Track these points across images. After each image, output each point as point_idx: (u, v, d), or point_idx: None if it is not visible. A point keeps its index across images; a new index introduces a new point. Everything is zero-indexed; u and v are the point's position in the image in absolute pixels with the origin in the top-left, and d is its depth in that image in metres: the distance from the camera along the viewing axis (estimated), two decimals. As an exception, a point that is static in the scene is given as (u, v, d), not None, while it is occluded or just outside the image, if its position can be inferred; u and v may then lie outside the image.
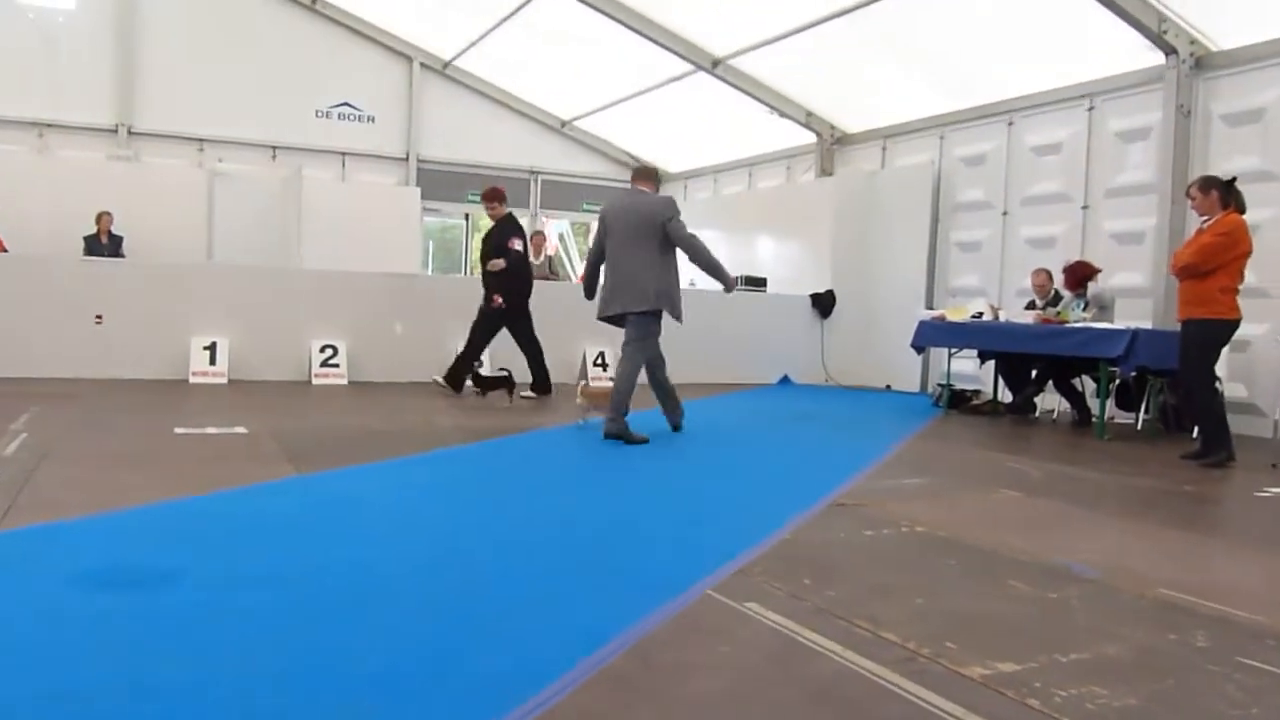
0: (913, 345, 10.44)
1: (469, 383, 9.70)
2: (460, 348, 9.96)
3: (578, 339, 11.79)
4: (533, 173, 17.89)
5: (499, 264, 9.69)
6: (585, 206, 18.34)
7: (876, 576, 3.76)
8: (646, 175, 7.53)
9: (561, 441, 7.23)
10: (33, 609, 2.91)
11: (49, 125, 14.60)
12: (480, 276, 9.97)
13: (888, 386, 12.91)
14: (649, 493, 5.34)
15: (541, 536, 4.14)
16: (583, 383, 8.81)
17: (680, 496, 5.23)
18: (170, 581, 3.25)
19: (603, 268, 7.38)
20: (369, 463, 5.81)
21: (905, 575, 3.80)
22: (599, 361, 11.97)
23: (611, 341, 10.62)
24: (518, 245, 9.79)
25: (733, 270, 14.06)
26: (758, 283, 13.56)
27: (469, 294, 11.90)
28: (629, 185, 7.54)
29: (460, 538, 4.10)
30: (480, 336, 9.86)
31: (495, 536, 4.14)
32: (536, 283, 10.33)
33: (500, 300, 9.72)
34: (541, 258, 13.01)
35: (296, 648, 2.67)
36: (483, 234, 9.89)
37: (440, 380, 9.91)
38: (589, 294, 7.68)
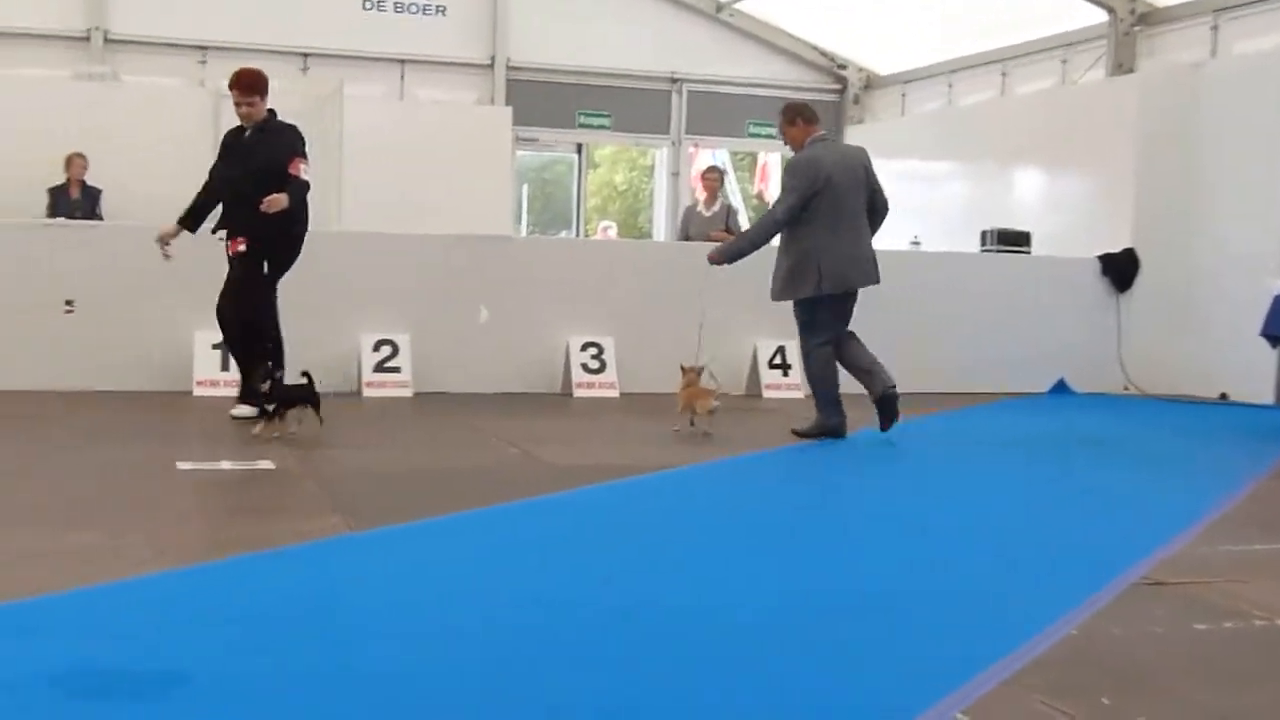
0: (1263, 334, 10.12)
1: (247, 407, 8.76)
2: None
3: (749, 331, 11.82)
4: (675, 81, 18.01)
5: (280, 202, 8.53)
6: (752, 129, 18.36)
7: (1214, 695, 3.66)
8: (816, 117, 8.92)
9: (706, 480, 7.27)
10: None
11: (-5, 33, 15.44)
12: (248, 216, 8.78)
13: (1222, 396, 12.53)
14: (866, 560, 5.33)
15: (745, 616, 4.17)
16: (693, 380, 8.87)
17: (912, 567, 5.19)
18: (173, 687, 3.40)
19: (797, 234, 8.62)
20: (455, 512, 5.93)
21: (1260, 693, 3.69)
22: (778, 363, 11.98)
23: (788, 335, 10.57)
24: (304, 171, 8.80)
25: (972, 221, 13.91)
26: (1015, 240, 13.33)
27: (584, 262, 12.07)
28: (796, 122, 8.77)
29: (600, 614, 4.15)
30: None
31: (673, 615, 4.17)
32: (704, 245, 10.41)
33: (243, 246, 8.77)
34: (718, 206, 12.98)
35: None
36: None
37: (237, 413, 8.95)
38: (735, 258, 8.83)
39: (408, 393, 11.00)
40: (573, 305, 11.60)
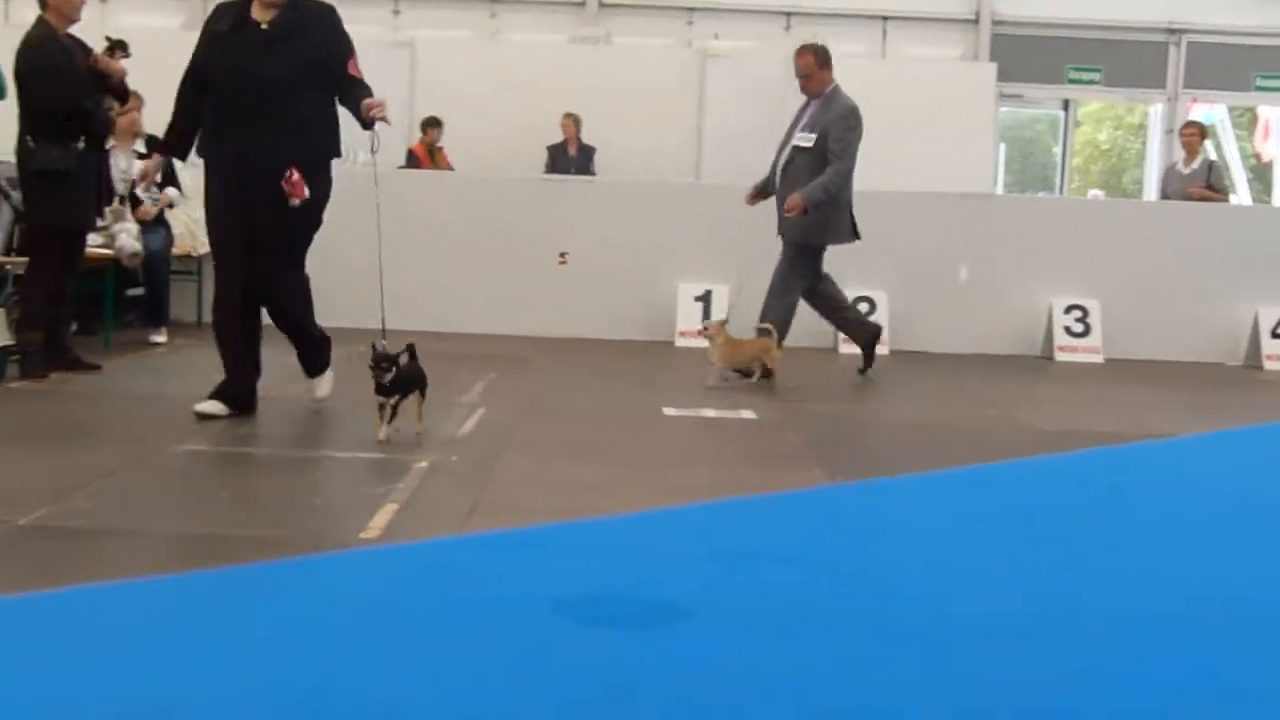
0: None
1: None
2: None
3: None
4: (1173, 32, 17.04)
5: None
6: (1259, 82, 17.13)
7: None
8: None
9: (1202, 451, 6.86)
10: (520, 647, 3.29)
11: (501, 1, 16.41)
12: None
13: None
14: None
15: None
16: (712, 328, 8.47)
17: None
18: (676, 620, 3.52)
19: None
20: (926, 471, 5.90)
21: None
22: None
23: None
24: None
25: None
26: None
27: (1069, 222, 11.72)
28: (828, 65, 9.04)
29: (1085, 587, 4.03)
30: None
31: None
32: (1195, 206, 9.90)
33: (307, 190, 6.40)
34: (1197, 163, 12.29)
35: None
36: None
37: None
38: (816, 206, 8.66)
39: (884, 349, 10.97)
40: (1056, 266, 11.25)
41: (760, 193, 9.19)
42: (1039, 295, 11.19)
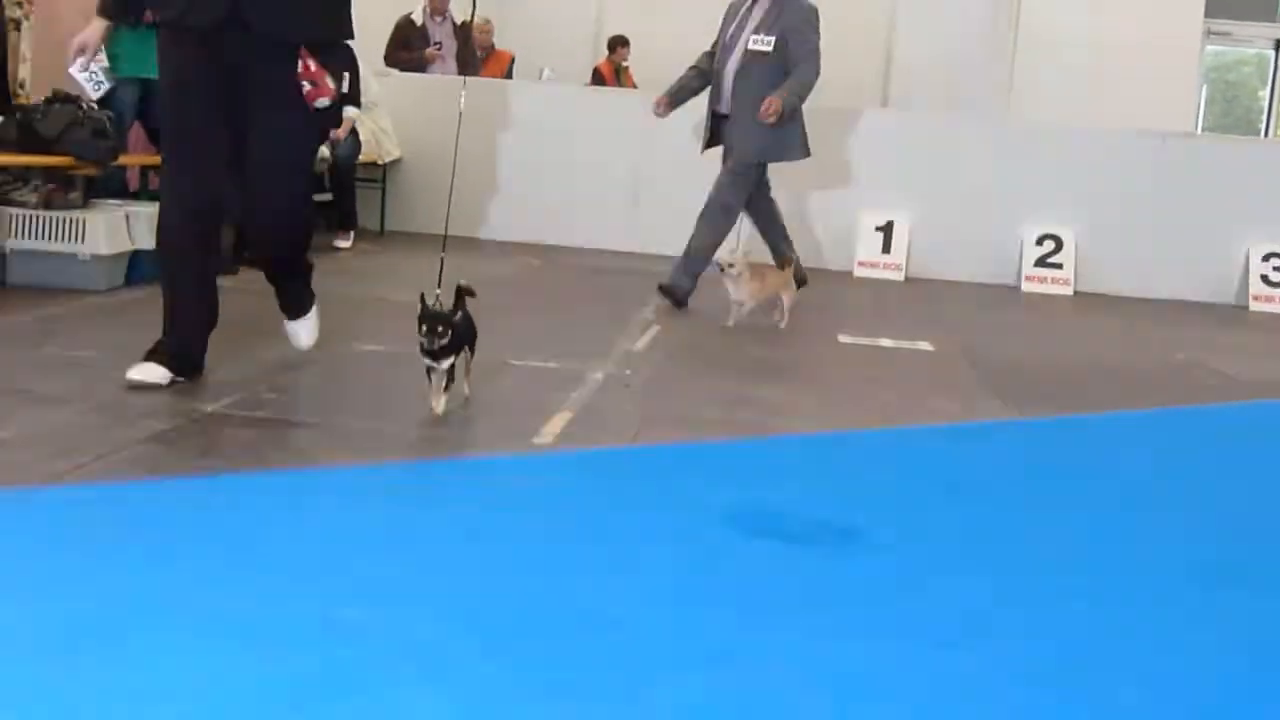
0: None
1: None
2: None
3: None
4: None
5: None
6: None
7: None
8: None
9: None
10: (690, 554, 3.30)
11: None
12: None
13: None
14: None
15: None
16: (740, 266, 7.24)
17: None
18: (846, 541, 3.51)
19: None
20: (1112, 410, 5.81)
21: None
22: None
23: None
24: None
25: None
26: None
27: (1273, 166, 11.29)
28: None
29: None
30: None
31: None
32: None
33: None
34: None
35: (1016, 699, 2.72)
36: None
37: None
38: (791, 116, 8.12)
39: (1068, 290, 10.76)
40: (1255, 213, 10.86)
41: (674, 101, 8.52)
42: (1235, 242, 10.82)
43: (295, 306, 5.19)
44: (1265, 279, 10.70)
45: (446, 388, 4.53)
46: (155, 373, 4.52)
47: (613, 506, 3.70)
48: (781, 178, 10.96)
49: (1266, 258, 10.71)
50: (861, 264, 10.92)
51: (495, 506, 3.63)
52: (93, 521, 3.16)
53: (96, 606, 2.58)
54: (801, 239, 10.92)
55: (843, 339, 7.30)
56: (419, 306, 4.41)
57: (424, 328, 4.38)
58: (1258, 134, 18.42)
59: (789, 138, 8.17)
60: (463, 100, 5.30)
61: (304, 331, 5.22)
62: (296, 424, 4.42)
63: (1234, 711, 2.57)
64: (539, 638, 2.59)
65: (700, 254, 7.97)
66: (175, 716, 2.13)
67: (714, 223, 8.05)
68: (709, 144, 8.42)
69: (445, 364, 4.51)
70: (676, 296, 7.90)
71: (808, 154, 8.40)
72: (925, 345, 7.23)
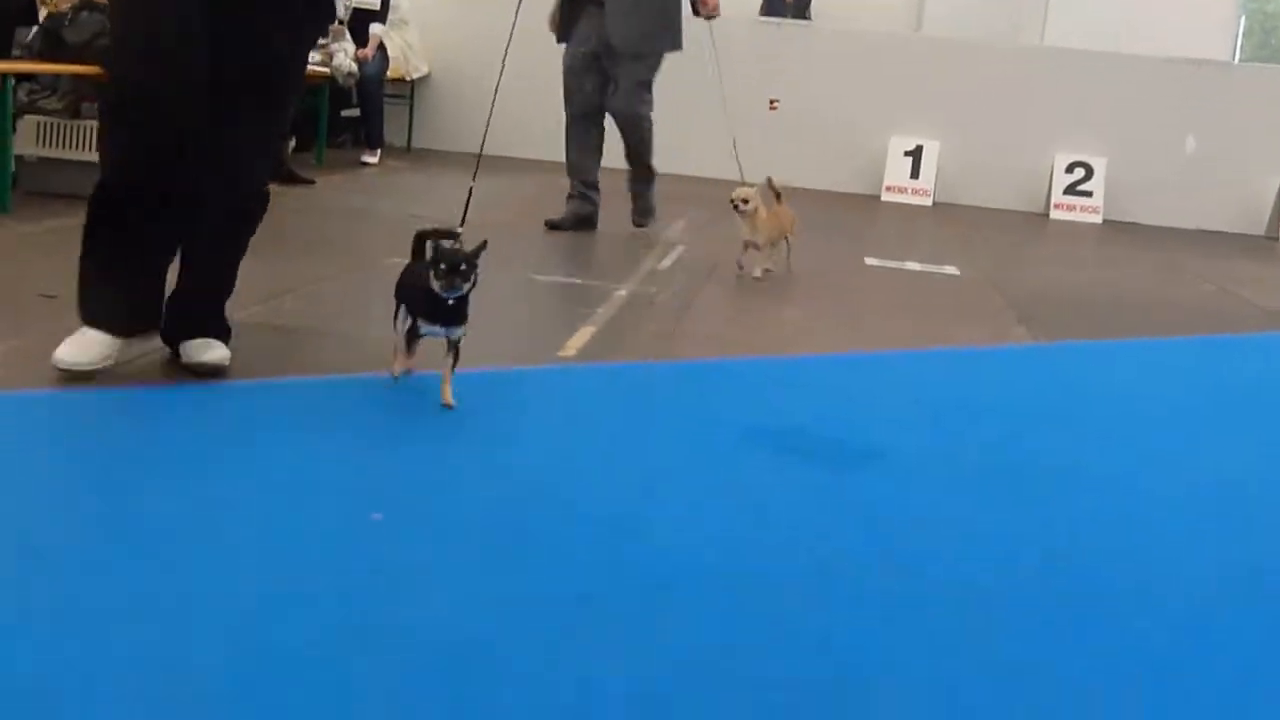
0: None
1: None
2: None
3: None
4: None
5: None
6: None
7: None
8: None
9: None
10: (708, 469, 3.31)
11: None
12: None
13: None
14: None
15: None
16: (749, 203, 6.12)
17: None
18: (867, 461, 3.50)
19: None
20: (1139, 338, 5.78)
21: None
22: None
23: None
24: None
25: None
26: None
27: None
28: None
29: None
30: None
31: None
32: None
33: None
34: None
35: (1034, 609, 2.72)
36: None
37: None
38: None
39: (1096, 219, 10.69)
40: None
41: (564, 19, 7.35)
42: (1268, 173, 10.70)
43: (208, 315, 3.72)
44: (1294, 210, 10.61)
45: (453, 368, 3.49)
46: (98, 348, 3.47)
47: (634, 421, 3.70)
48: (812, 99, 10.88)
49: (1297, 189, 10.61)
50: (889, 189, 10.86)
51: (519, 416, 3.64)
52: (107, 424, 3.19)
53: (122, 503, 2.60)
54: (829, 162, 10.88)
55: (869, 262, 7.27)
56: (426, 243, 3.47)
57: (441, 267, 3.33)
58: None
59: (674, 25, 7.31)
60: (516, 17, 5.15)
61: (212, 350, 3.64)
62: (318, 333, 4.42)
63: (1228, 601, 2.57)
64: (560, 547, 2.61)
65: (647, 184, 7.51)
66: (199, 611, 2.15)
67: (635, 129, 7.34)
68: (564, 34, 7.38)
69: (458, 333, 3.46)
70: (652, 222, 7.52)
71: (675, 48, 7.39)
72: (952, 270, 7.19)
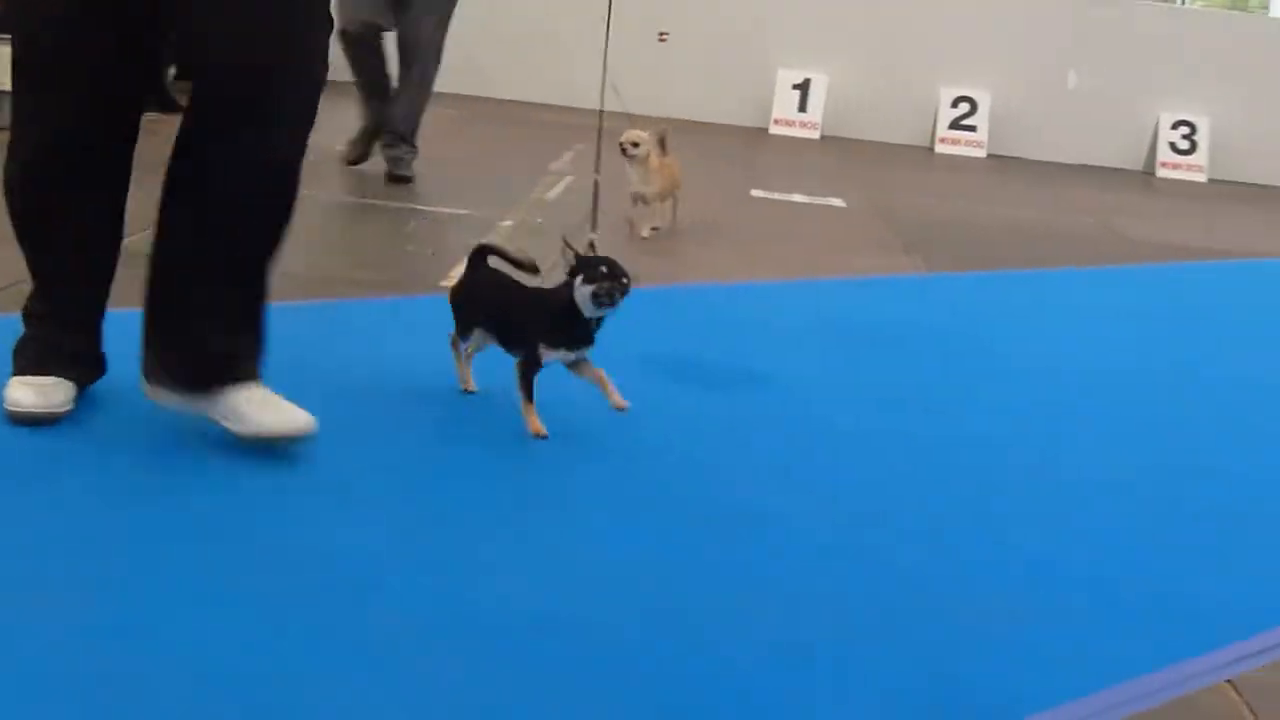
0: None
1: None
2: None
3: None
4: None
5: None
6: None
7: None
8: None
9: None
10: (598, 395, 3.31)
11: None
12: None
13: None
14: None
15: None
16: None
17: None
18: (756, 386, 3.53)
19: None
20: (1019, 269, 5.87)
21: None
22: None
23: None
24: None
25: None
26: None
27: (1188, 35, 11.33)
28: None
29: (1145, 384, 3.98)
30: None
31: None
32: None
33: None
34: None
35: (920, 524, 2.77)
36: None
37: None
38: None
39: (981, 153, 10.78)
40: (1169, 80, 10.90)
41: None
42: (1147, 109, 10.87)
43: (239, 353, 2.69)
44: (1174, 146, 10.78)
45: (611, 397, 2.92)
46: (44, 393, 2.68)
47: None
48: (697, 29, 10.84)
49: (1176, 125, 10.78)
50: (778, 121, 10.84)
51: (399, 343, 3.62)
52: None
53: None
54: (717, 95, 10.86)
55: (756, 194, 7.28)
56: (567, 251, 2.92)
57: (604, 285, 2.79)
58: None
59: None
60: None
61: (275, 414, 2.61)
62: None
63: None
64: (460, 477, 2.61)
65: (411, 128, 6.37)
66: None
67: (426, 92, 6.41)
68: None
69: (587, 351, 2.94)
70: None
71: None
72: (838, 202, 7.24)
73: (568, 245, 2.93)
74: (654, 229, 5.60)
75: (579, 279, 2.82)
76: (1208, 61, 10.88)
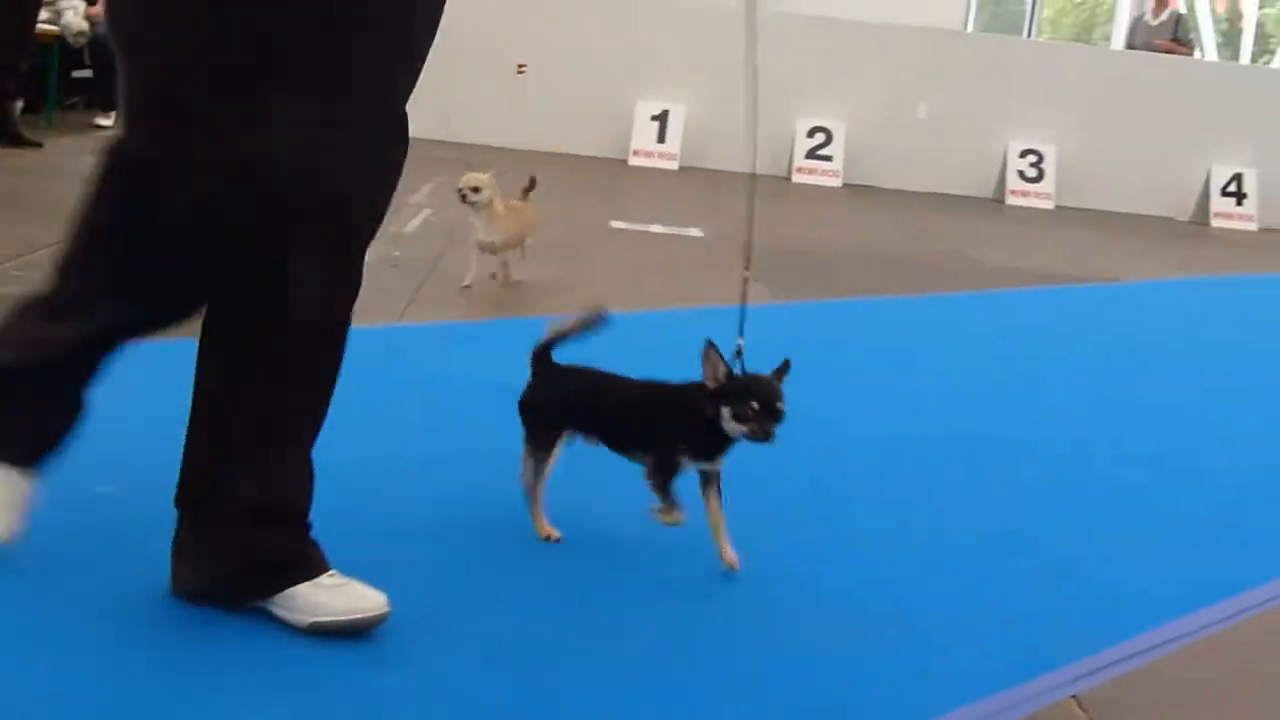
0: None
1: None
2: None
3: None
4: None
5: None
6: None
7: None
8: None
9: (1151, 297, 6.92)
10: (466, 428, 3.28)
11: None
12: None
13: None
14: None
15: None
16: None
17: None
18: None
19: None
20: (875, 296, 5.94)
21: None
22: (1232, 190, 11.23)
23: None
24: None
25: None
26: None
27: (1033, 65, 11.62)
28: None
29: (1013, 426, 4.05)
30: None
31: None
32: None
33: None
34: (1165, 15, 12.23)
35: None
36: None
37: None
38: None
39: (836, 182, 10.94)
40: (1015, 110, 11.18)
41: None
42: (996, 138, 11.14)
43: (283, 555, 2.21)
44: (1022, 174, 11.07)
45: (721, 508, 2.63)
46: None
47: (381, 386, 3.64)
48: (556, 62, 10.85)
49: (1024, 154, 11.06)
50: (637, 153, 10.92)
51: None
52: None
53: None
54: (576, 127, 10.88)
55: (615, 225, 7.31)
56: (716, 366, 2.62)
57: (756, 427, 2.53)
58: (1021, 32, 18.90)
59: None
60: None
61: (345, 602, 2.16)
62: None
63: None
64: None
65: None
66: None
67: None
68: None
69: (721, 462, 2.65)
70: None
71: None
72: (696, 232, 7.29)
73: (713, 351, 2.63)
74: (507, 278, 5.24)
75: (726, 410, 2.55)
76: (1053, 91, 11.19)
